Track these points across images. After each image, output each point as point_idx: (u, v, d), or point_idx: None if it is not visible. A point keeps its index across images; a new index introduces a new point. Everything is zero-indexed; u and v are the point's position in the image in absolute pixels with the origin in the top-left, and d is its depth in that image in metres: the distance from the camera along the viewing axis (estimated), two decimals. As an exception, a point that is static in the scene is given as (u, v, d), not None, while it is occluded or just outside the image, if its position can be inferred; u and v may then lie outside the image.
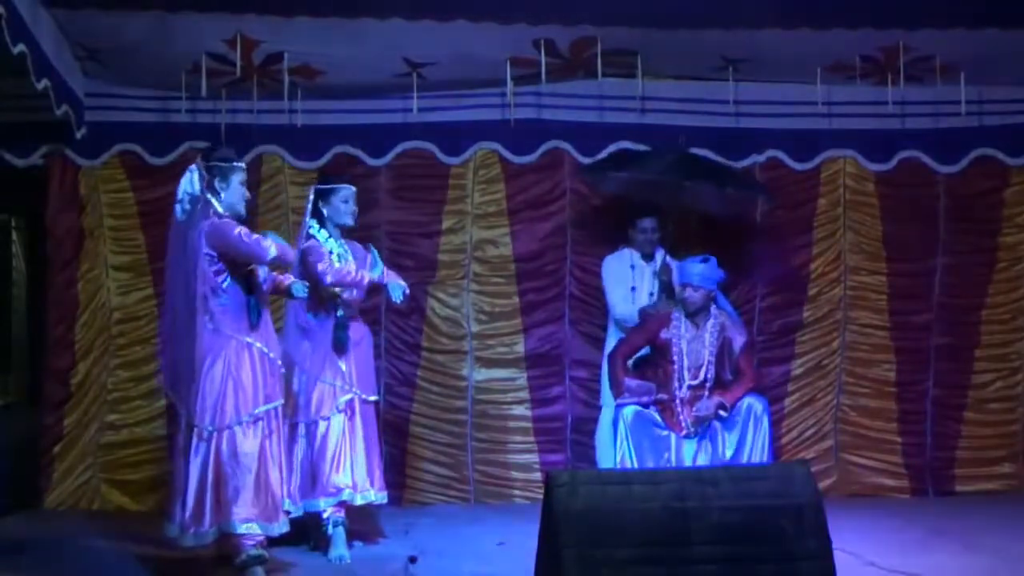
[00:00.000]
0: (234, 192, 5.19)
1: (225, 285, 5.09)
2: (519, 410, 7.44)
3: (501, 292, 7.47)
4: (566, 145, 7.44)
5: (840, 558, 4.15)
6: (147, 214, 7.24)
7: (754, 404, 6.17)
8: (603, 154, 7.35)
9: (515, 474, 7.40)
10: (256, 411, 5.06)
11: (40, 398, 7.27)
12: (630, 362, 6.44)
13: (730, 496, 4.09)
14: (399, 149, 7.41)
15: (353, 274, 5.83)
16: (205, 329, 5.03)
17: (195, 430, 4.99)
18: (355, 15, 6.45)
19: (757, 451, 6.09)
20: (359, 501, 5.79)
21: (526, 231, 7.46)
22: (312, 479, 5.73)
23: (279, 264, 5.31)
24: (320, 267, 5.74)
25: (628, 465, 6.02)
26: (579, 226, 7.40)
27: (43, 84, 5.98)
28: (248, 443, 5.01)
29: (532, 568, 4.33)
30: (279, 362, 5.29)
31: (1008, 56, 6.91)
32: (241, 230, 5.08)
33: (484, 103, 7.39)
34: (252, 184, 6.89)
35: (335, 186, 5.98)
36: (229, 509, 4.93)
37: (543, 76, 6.91)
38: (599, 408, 6.93)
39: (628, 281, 6.83)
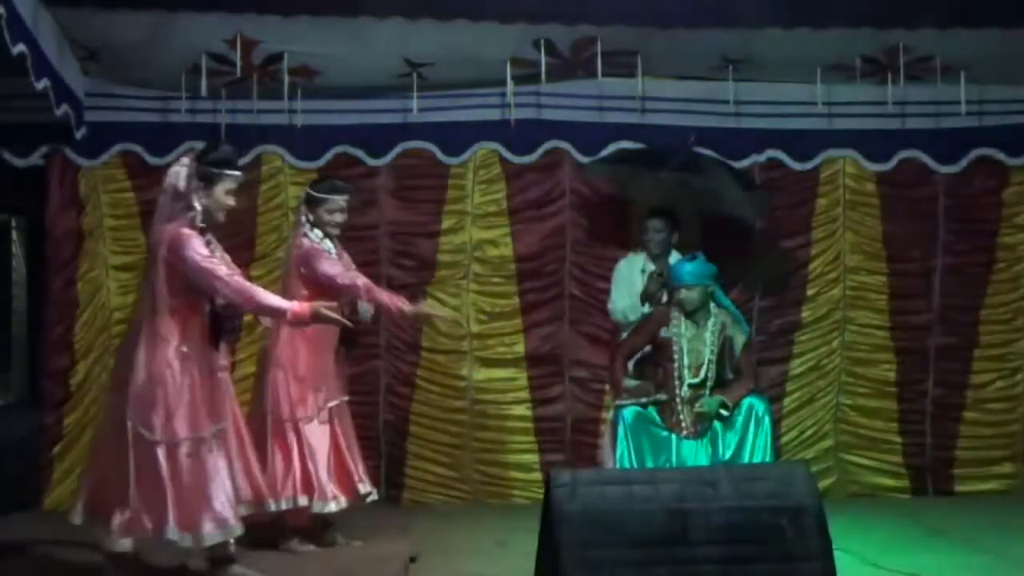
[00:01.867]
0: (215, 201, 4.93)
1: (177, 298, 4.84)
2: (519, 410, 7.44)
3: (501, 292, 7.47)
4: (566, 145, 7.44)
5: (840, 558, 4.15)
6: (147, 214, 7.17)
7: (755, 404, 6.16)
8: (603, 154, 7.35)
9: (515, 474, 7.40)
10: (204, 432, 4.81)
11: (40, 398, 7.27)
12: (631, 362, 6.44)
13: (730, 496, 4.09)
14: (399, 149, 7.41)
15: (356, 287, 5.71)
16: (155, 336, 4.82)
17: (143, 440, 4.76)
18: (355, 15, 6.44)
19: (759, 452, 6.08)
20: (332, 508, 5.75)
21: (526, 231, 7.46)
22: (291, 477, 5.68)
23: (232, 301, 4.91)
24: (329, 268, 5.67)
25: (628, 465, 6.02)
26: (582, 227, 7.41)
27: (43, 84, 5.97)
28: (197, 457, 4.79)
29: (532, 568, 4.33)
30: (220, 373, 5.00)
31: (1008, 56, 6.91)
32: (196, 251, 4.77)
33: (484, 103, 7.39)
34: (252, 184, 6.90)
35: (323, 196, 5.88)
36: (193, 517, 4.75)
37: (543, 76, 6.90)
38: (599, 408, 6.93)
39: (637, 285, 6.81)
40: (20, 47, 5.46)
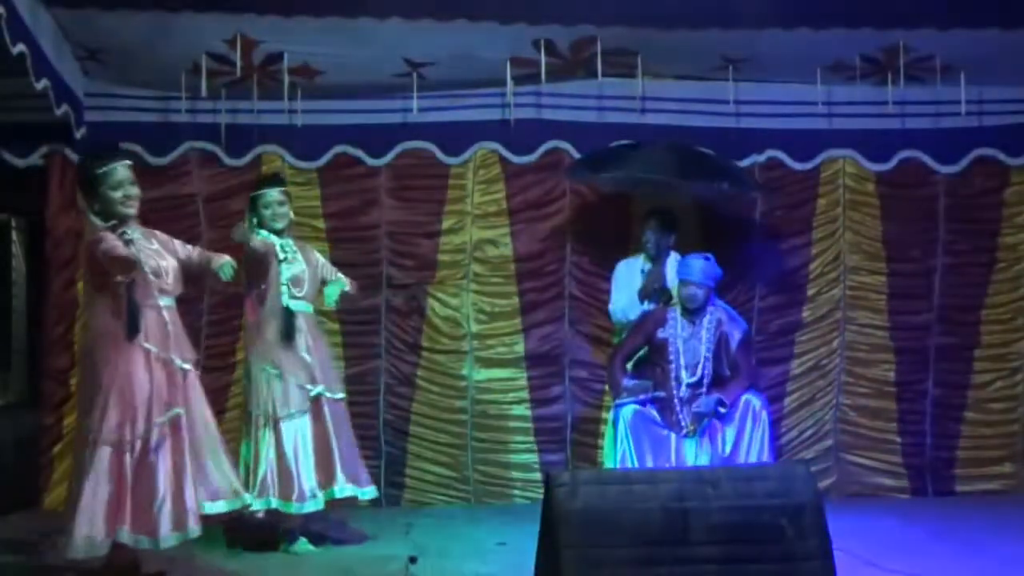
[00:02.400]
0: (108, 202, 4.91)
1: (121, 300, 4.85)
2: (519, 410, 7.44)
3: (501, 292, 7.47)
4: (566, 145, 7.44)
5: (840, 558, 4.15)
6: (147, 214, 7.21)
7: (752, 399, 6.17)
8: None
9: (515, 474, 7.40)
10: (157, 421, 4.79)
11: (40, 398, 7.28)
12: (630, 363, 6.43)
13: (730, 496, 4.09)
14: (399, 149, 7.42)
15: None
16: (110, 344, 4.84)
17: (97, 442, 4.75)
18: (355, 15, 6.45)
19: (756, 446, 6.08)
20: (310, 508, 5.73)
21: (526, 231, 7.46)
22: (272, 478, 5.69)
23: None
24: (254, 243, 5.67)
25: (628, 465, 6.02)
26: (582, 227, 7.40)
27: (43, 84, 5.99)
28: (152, 457, 4.76)
29: (532, 568, 4.33)
30: (180, 364, 4.96)
31: (1008, 56, 6.91)
32: (106, 247, 4.77)
33: (484, 103, 7.40)
34: (252, 184, 6.90)
35: (256, 193, 5.88)
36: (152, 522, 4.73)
37: (543, 76, 6.91)
38: (599, 408, 6.92)
39: (636, 288, 6.80)
40: (20, 47, 5.48)
